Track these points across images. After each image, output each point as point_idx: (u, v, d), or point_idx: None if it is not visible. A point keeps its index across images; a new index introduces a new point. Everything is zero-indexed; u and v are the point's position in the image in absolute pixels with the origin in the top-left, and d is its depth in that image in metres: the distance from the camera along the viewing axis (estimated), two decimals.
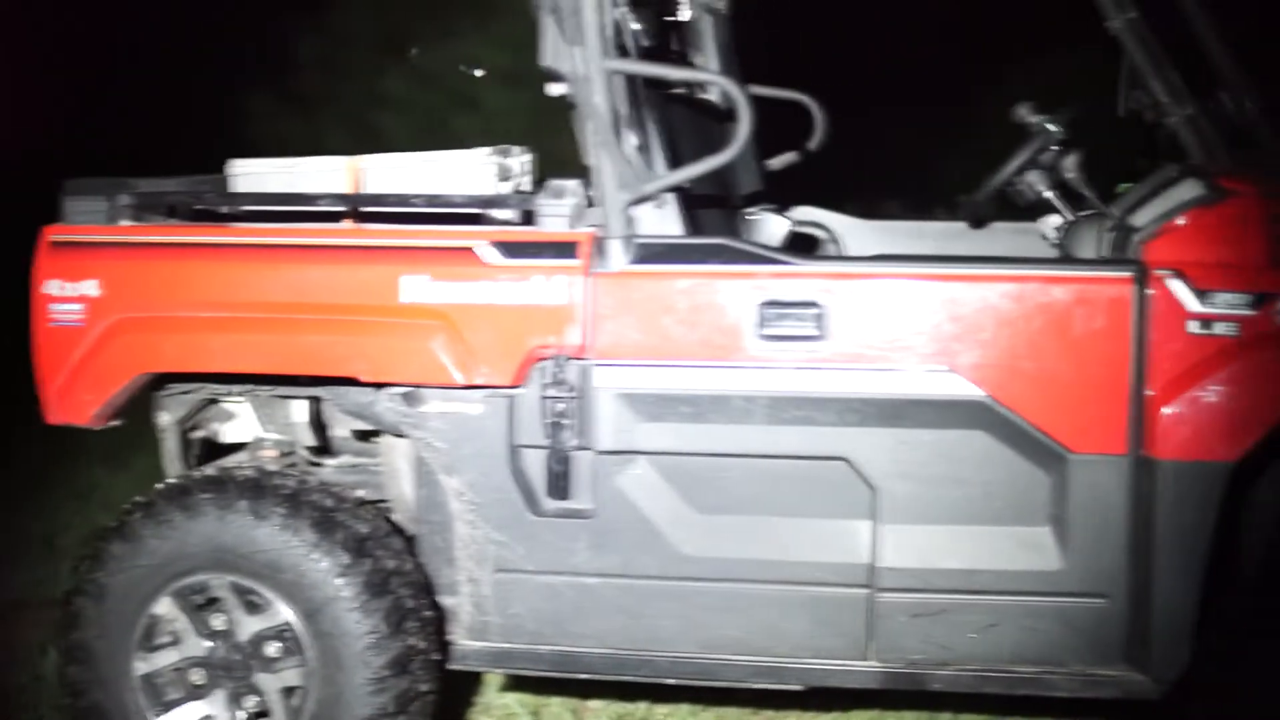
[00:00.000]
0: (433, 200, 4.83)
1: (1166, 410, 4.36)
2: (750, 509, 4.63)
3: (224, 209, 5.13)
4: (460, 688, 5.43)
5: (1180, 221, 4.52)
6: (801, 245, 5.80)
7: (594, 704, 5.62)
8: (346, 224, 4.97)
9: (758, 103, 4.71)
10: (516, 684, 5.72)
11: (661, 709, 5.56)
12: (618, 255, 4.57)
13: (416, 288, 4.63)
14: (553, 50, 4.62)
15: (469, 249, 4.62)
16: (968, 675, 4.60)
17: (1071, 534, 4.49)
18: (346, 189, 5.03)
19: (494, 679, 5.75)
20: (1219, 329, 4.38)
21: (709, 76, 5.50)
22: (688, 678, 4.71)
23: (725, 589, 4.62)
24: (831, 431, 4.53)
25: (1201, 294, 4.38)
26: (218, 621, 4.73)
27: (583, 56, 4.57)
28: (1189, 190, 4.61)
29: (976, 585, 4.54)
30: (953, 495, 4.54)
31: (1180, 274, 4.39)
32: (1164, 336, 4.40)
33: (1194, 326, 4.39)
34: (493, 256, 4.60)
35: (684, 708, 5.54)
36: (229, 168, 5.20)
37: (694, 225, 4.83)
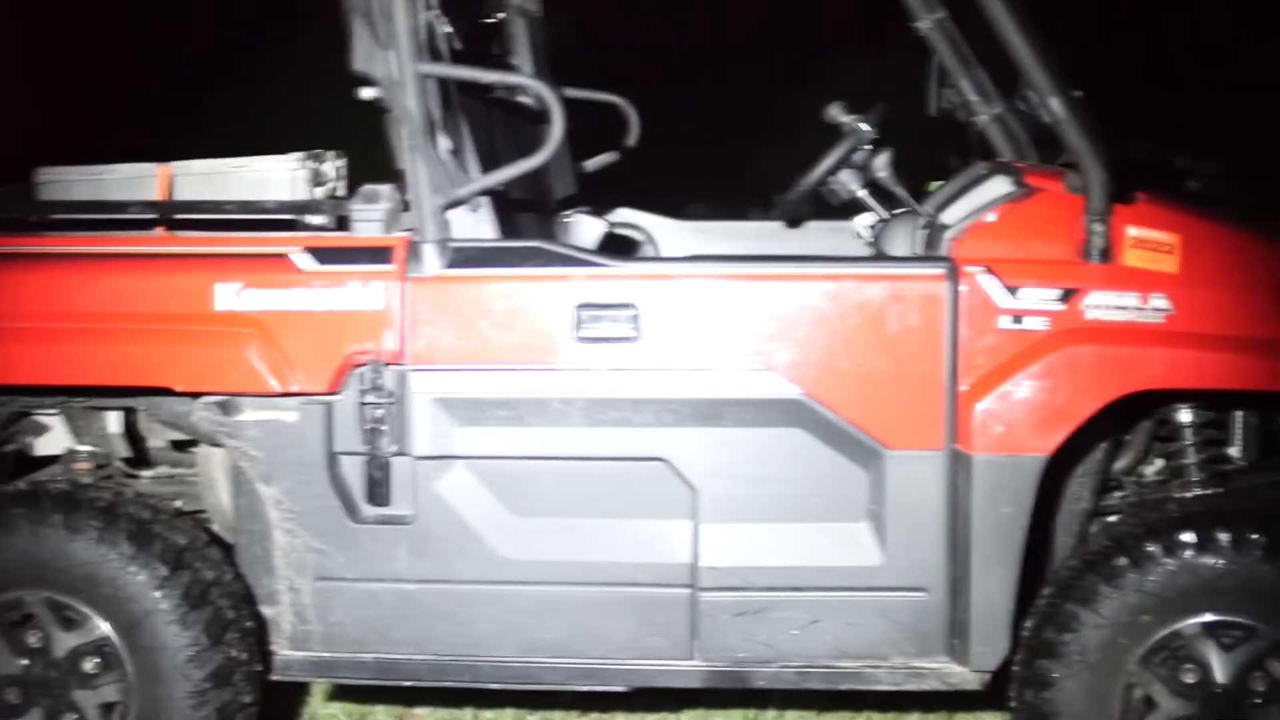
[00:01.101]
0: (245, 207, 4.78)
1: (980, 405, 4.42)
2: (571, 511, 4.62)
3: (33, 218, 5.03)
4: (284, 698, 5.38)
5: (989, 218, 4.58)
6: (618, 247, 5.81)
7: (420, 710, 5.59)
8: (158, 232, 4.91)
9: (571, 105, 4.72)
10: (341, 692, 5.68)
11: (487, 714, 5.54)
12: (432, 260, 4.55)
13: (230, 295, 4.58)
14: (364, 54, 4.58)
15: (283, 255, 4.58)
16: (790, 672, 4.63)
17: (890, 529, 4.53)
18: (157, 196, 4.97)
19: (319, 688, 5.70)
20: (1029, 324, 4.45)
21: (519, 79, 5.49)
22: (511, 682, 4.71)
23: (547, 592, 4.62)
24: (649, 432, 4.54)
25: (1012, 289, 4.44)
26: (33, 638, 4.64)
27: (395, 60, 4.53)
28: (998, 187, 4.68)
29: (797, 582, 4.57)
30: (772, 493, 4.57)
31: (990, 270, 4.45)
32: (976, 332, 4.45)
33: (1005, 322, 4.45)
34: (307, 263, 4.56)
35: (509, 712, 5.52)
36: (35, 175, 5.11)
37: (509, 229, 4.82)
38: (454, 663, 4.68)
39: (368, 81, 4.60)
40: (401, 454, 4.60)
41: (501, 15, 5.79)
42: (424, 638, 4.66)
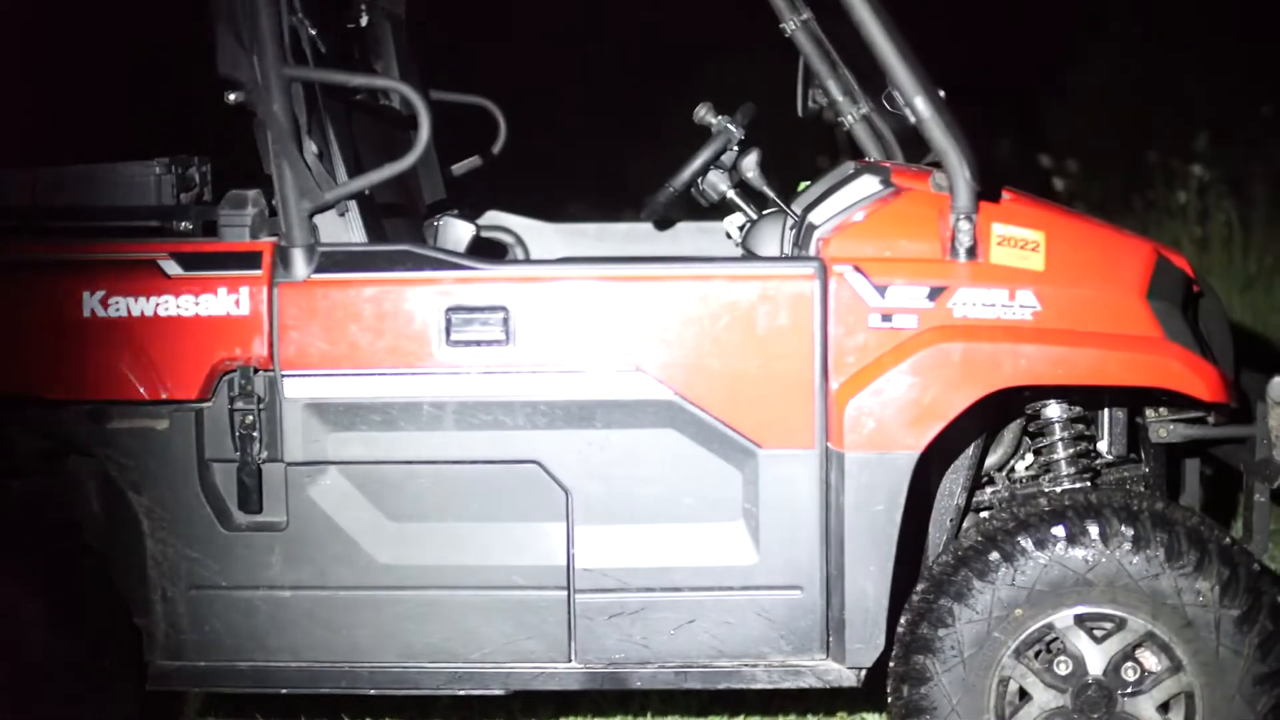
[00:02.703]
0: (111, 212, 4.74)
1: (851, 403, 4.44)
2: (445, 515, 4.61)
3: None
4: (160, 709, 5.31)
5: (857, 217, 4.60)
6: (488, 250, 5.79)
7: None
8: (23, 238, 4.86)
9: (439, 108, 4.71)
10: (218, 702, 5.64)
11: None
12: (300, 264, 4.52)
13: (98, 302, 4.54)
14: (229, 58, 4.56)
15: (150, 261, 4.54)
16: (668, 672, 4.64)
17: (764, 528, 4.54)
18: (21, 202, 4.90)
19: (195, 698, 5.64)
20: (899, 322, 4.47)
21: (386, 83, 5.45)
22: (389, 688, 4.69)
23: (423, 596, 4.61)
24: (522, 435, 4.54)
25: (880, 289, 4.47)
26: None
27: (260, 64, 4.51)
28: (865, 187, 4.69)
29: (673, 583, 4.58)
30: (646, 494, 4.57)
31: (859, 269, 4.47)
32: (846, 331, 4.48)
33: (874, 320, 4.48)
34: (174, 269, 4.53)
35: (388, 719, 5.51)
36: None
37: (378, 233, 4.81)
38: (331, 669, 4.66)
39: (233, 85, 4.58)
40: (273, 460, 4.57)
41: (367, 19, 5.75)
42: (300, 645, 4.64)
